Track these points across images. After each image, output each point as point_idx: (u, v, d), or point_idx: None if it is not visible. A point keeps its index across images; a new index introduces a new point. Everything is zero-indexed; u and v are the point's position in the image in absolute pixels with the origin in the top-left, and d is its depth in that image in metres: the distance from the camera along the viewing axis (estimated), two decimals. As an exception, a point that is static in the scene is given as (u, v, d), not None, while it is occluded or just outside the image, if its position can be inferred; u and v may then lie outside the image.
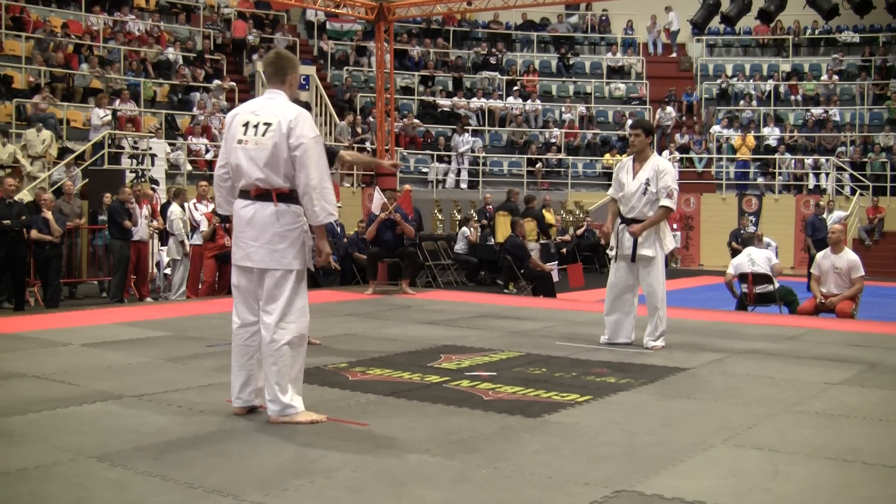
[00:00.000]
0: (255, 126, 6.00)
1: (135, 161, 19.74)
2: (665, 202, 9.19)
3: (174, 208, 16.14)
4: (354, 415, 6.22)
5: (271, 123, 5.95)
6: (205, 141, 22.99)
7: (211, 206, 15.57)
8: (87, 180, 18.52)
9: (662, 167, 9.32)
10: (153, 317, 11.73)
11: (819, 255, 13.12)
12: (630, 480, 4.83)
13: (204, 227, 15.45)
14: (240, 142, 6.04)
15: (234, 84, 25.90)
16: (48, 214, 14.43)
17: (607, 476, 4.91)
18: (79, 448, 5.36)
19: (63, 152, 19.47)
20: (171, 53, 25.73)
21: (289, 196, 6.02)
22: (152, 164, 19.95)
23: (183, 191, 17.25)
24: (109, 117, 20.66)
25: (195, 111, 23.74)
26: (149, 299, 15.66)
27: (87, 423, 6.01)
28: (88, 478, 4.83)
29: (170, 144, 21.86)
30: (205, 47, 27.07)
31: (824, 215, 21.40)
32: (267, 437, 5.66)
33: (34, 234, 14.19)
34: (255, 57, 27.18)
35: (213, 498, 4.52)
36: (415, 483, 4.78)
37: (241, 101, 25.12)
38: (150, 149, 20.08)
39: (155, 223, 16.69)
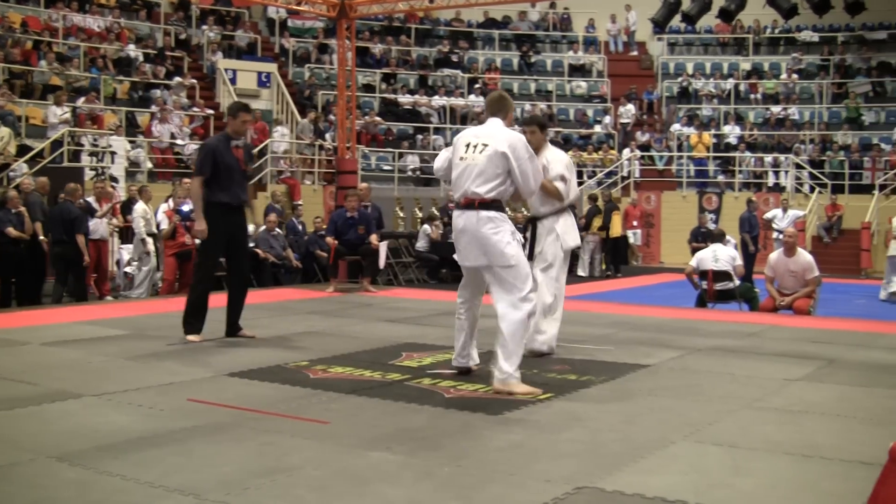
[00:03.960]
0: (475, 146, 7.17)
1: (94, 159, 19.59)
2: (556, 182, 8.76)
3: (139, 206, 16.03)
4: (316, 413, 6.21)
5: (489, 144, 7.10)
6: (170, 133, 22.80)
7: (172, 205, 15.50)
8: (45, 178, 18.36)
9: (551, 157, 8.80)
10: (113, 315, 11.66)
11: (773, 256, 13.20)
12: (591, 477, 4.84)
13: (164, 225, 15.35)
14: (461, 159, 7.23)
15: (195, 81, 25.76)
16: (23, 210, 14.30)
17: (569, 473, 4.93)
18: (38, 448, 5.32)
19: (22, 150, 19.30)
20: (132, 50, 25.55)
21: (491, 205, 7.09)
22: (112, 162, 19.80)
23: (146, 188, 17.16)
24: (68, 115, 20.51)
25: (153, 108, 23.57)
26: (109, 298, 15.53)
27: (47, 422, 5.97)
28: (48, 478, 4.80)
29: (130, 142, 21.71)
30: (165, 44, 26.90)
31: (783, 212, 21.65)
32: (228, 435, 5.64)
33: (12, 231, 14.05)
34: (219, 55, 27.03)
35: (175, 497, 4.50)
36: (377, 481, 4.78)
37: (202, 98, 25.10)
38: (110, 146, 19.93)
39: (115, 221, 16.55)
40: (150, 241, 15.78)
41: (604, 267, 23.51)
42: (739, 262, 13.94)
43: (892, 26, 31.56)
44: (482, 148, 7.10)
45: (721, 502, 4.51)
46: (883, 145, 28.10)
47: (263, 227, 17.70)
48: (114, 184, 18.81)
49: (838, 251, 25.33)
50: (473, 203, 7.07)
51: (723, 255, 13.66)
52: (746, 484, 4.81)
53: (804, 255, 12.98)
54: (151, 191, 17.30)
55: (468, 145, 7.21)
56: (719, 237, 14.62)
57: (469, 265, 7.26)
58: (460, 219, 7.17)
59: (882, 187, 26.26)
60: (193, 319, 9.44)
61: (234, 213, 9.59)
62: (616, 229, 23.68)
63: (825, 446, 5.53)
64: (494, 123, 7.33)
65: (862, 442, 5.66)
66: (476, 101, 30.43)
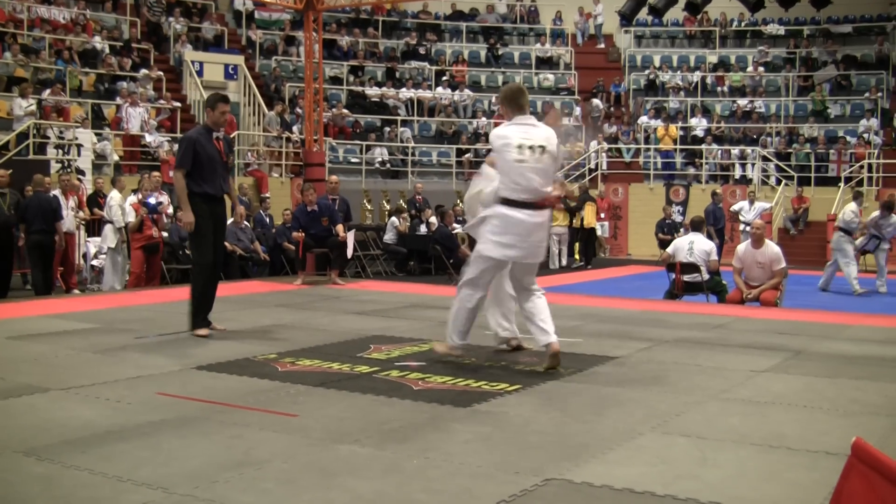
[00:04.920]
0: (531, 147, 7.42)
1: (61, 151, 19.46)
2: None
3: (114, 194, 15.94)
4: (284, 406, 6.20)
5: (546, 146, 7.45)
6: (140, 116, 22.61)
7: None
8: (10, 171, 18.21)
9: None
10: (80, 309, 11.58)
11: (740, 248, 13.24)
12: (560, 468, 4.86)
13: (131, 218, 15.25)
14: (520, 161, 7.42)
15: (162, 73, 25.60)
16: None
17: (537, 464, 4.94)
18: (5, 443, 5.28)
19: (-14, 142, 19.16)
20: (98, 42, 25.35)
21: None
22: (78, 155, 19.67)
23: (120, 178, 17.07)
24: (33, 107, 20.35)
25: (119, 101, 23.37)
26: (76, 291, 15.45)
27: (14, 417, 5.94)
28: (15, 473, 4.77)
29: (96, 134, 21.55)
30: (131, 36, 26.72)
31: (750, 204, 21.75)
32: (196, 429, 5.62)
33: None
34: (189, 47, 26.84)
35: (143, 491, 4.48)
36: (346, 474, 4.78)
37: (169, 90, 24.92)
38: (77, 139, 19.80)
39: (81, 214, 16.44)
40: (122, 230, 15.70)
41: (577, 258, 23.39)
42: (715, 257, 13.56)
43: (857, 20, 31.82)
44: (541, 150, 7.43)
45: (688, 493, 4.52)
46: (848, 138, 28.23)
47: (231, 220, 17.63)
48: (80, 176, 18.69)
49: (804, 243, 25.46)
50: (544, 203, 7.55)
51: (698, 249, 13.37)
52: (713, 475, 4.84)
53: (772, 247, 13.02)
54: (125, 182, 17.23)
55: (521, 146, 7.43)
56: (698, 226, 14.25)
57: (534, 262, 7.73)
58: (537, 217, 7.50)
59: (847, 180, 26.38)
60: (203, 313, 9.43)
61: (216, 204, 9.59)
62: (589, 219, 23.56)
63: (791, 437, 5.57)
64: (532, 122, 7.69)
65: (827, 432, 5.70)
66: (444, 94, 30.42)
